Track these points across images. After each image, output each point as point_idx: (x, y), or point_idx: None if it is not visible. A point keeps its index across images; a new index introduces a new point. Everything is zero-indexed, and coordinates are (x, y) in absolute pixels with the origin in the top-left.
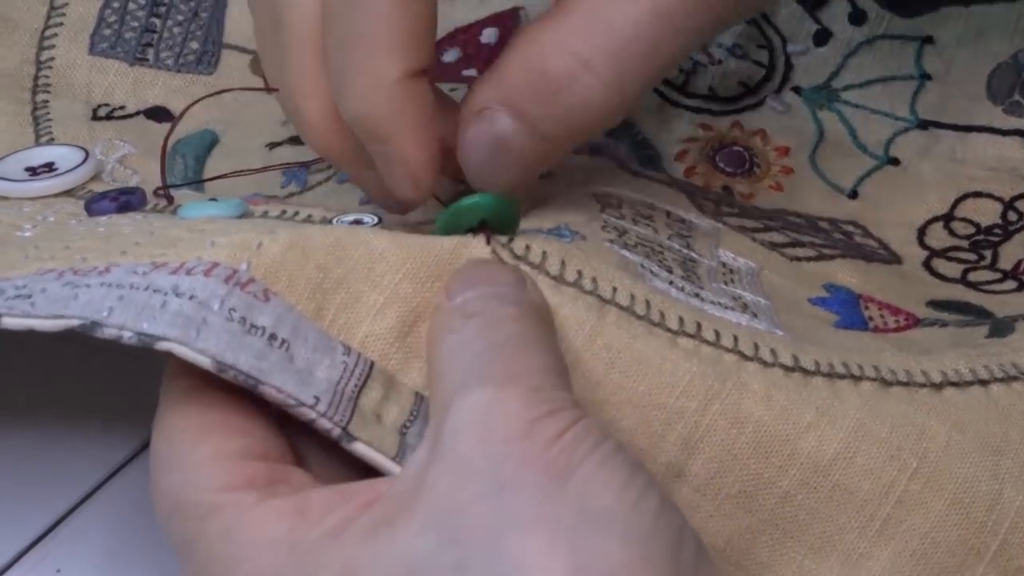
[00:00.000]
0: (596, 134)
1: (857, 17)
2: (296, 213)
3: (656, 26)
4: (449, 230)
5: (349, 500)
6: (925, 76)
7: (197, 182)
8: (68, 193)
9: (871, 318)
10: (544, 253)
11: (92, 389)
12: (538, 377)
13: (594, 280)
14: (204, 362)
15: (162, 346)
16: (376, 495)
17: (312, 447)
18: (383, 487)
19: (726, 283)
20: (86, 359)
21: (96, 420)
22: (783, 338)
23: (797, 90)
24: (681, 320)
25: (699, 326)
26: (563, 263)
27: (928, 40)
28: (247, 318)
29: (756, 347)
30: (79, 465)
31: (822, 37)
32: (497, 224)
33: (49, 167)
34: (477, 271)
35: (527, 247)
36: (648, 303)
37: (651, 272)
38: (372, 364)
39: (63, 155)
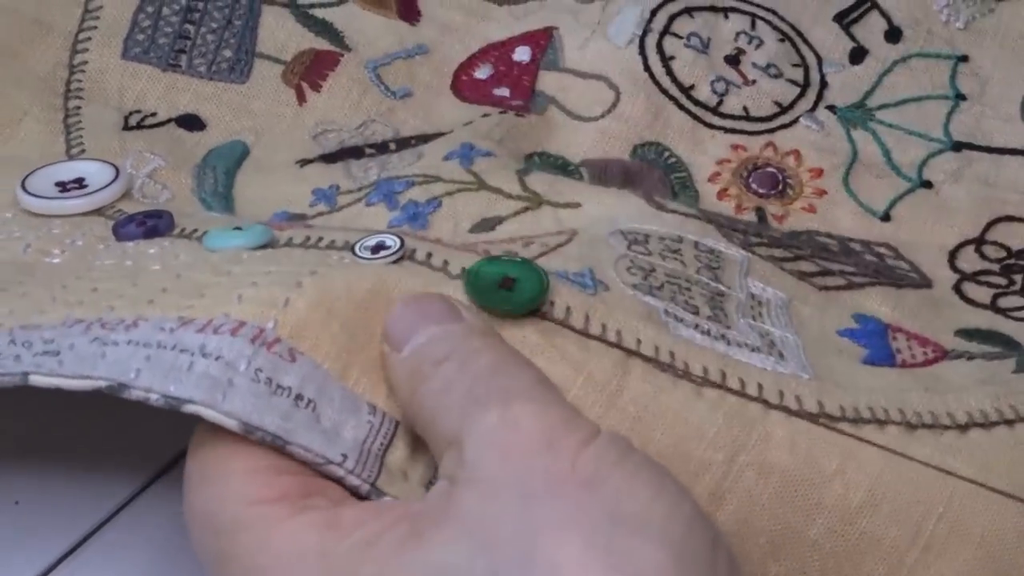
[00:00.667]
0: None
1: (893, 34)
2: (320, 239)
3: None
4: (475, 284)
5: (381, 515)
6: (960, 96)
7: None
8: (97, 212)
9: (899, 350)
10: (568, 308)
11: (124, 404)
12: (535, 390)
13: (618, 333)
14: (231, 424)
15: (189, 408)
16: (405, 514)
17: None
18: (415, 506)
19: (754, 317)
20: None
21: (128, 434)
22: (808, 382)
23: (832, 108)
24: (705, 370)
25: (724, 375)
26: (587, 317)
27: (963, 59)
28: (273, 379)
29: (781, 394)
30: (110, 479)
31: (858, 55)
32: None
33: (79, 183)
34: (409, 312)
35: (551, 303)
36: (672, 354)
37: (675, 318)
38: (397, 423)
39: (94, 171)
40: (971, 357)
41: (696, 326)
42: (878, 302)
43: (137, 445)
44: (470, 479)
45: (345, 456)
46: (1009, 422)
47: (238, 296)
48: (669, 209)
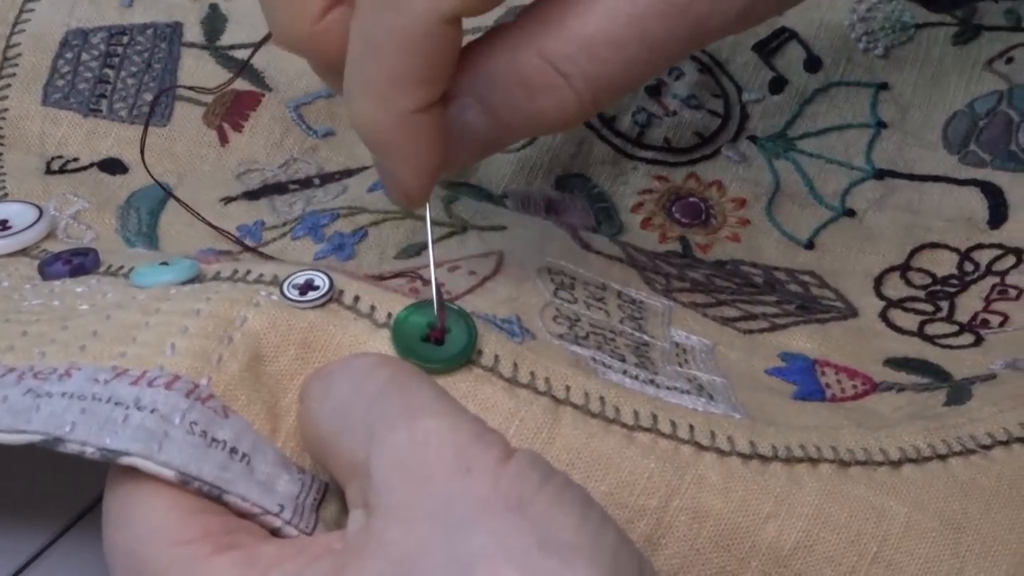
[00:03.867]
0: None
1: (812, 64)
2: (248, 272)
3: (633, 34)
4: (401, 335)
5: (300, 553)
6: (881, 124)
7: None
8: (23, 252)
9: (828, 385)
10: (496, 357)
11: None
12: (439, 403)
13: (547, 380)
14: (167, 474)
15: (125, 460)
16: (327, 550)
17: None
18: (334, 543)
19: (680, 364)
20: None
21: (44, 479)
22: (740, 422)
23: (753, 139)
24: (636, 414)
25: (655, 418)
26: (515, 365)
27: (883, 87)
28: (208, 432)
29: (713, 435)
30: (27, 524)
31: (778, 85)
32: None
33: (3, 225)
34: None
35: (479, 351)
36: (603, 399)
37: (604, 365)
38: (326, 484)
39: (17, 212)
40: (901, 389)
41: (624, 372)
42: (803, 340)
43: (53, 490)
44: (386, 506)
45: (282, 507)
46: (942, 456)
47: (171, 345)
48: (594, 250)
